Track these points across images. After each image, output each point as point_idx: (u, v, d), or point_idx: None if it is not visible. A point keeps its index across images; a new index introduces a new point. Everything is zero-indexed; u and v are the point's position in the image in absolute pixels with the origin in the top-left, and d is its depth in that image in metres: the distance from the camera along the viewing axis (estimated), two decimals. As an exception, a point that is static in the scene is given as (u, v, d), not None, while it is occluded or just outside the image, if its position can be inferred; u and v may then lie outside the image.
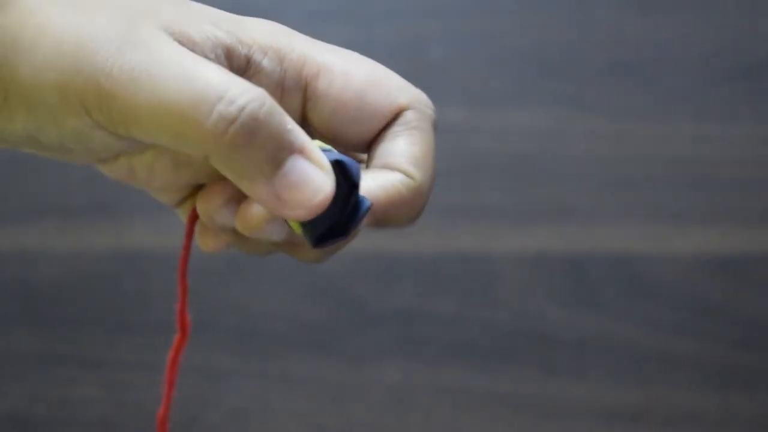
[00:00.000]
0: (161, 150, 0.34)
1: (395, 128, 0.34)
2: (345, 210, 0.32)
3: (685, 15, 0.89)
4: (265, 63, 0.33)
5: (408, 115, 0.34)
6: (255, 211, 0.32)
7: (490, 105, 0.86)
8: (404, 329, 0.78)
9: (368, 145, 0.35)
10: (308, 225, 0.31)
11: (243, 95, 0.29)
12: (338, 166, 0.31)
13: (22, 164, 0.84)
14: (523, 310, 0.79)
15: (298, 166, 0.30)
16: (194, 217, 0.36)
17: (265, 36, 0.34)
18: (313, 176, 0.30)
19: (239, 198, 0.33)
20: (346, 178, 0.31)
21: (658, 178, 0.83)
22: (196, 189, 0.36)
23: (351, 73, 0.35)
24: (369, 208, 0.32)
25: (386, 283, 0.78)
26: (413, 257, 0.75)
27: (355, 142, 0.35)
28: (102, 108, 0.30)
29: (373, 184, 0.33)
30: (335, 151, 0.32)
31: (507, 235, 0.81)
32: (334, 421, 0.76)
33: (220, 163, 0.30)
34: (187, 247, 0.37)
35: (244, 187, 0.30)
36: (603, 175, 0.84)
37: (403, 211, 0.34)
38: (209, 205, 0.34)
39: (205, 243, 0.36)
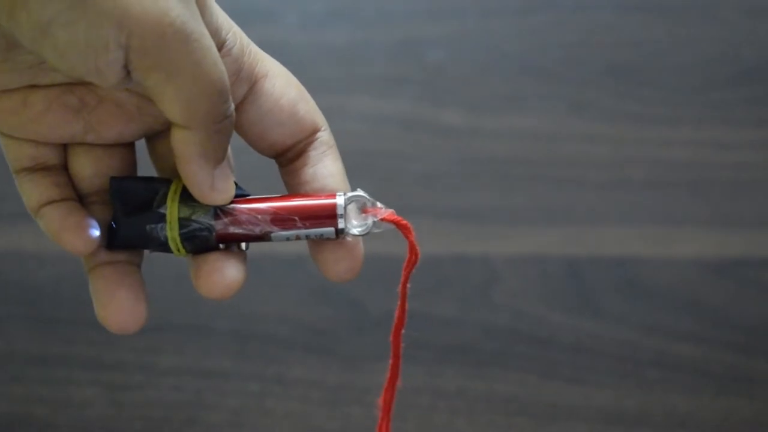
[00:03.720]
0: (72, 89, 0.37)
1: (319, 149, 0.40)
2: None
3: (685, 19, 0.89)
4: (234, 50, 0.37)
5: (324, 136, 0.40)
6: (233, 273, 0.38)
7: (489, 107, 0.86)
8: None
9: (279, 152, 0.40)
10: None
11: (232, 102, 0.36)
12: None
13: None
14: (521, 313, 0.79)
15: (226, 164, 0.37)
16: None
17: (239, 32, 0.38)
18: (231, 174, 0.38)
19: None
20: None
21: (656, 182, 0.83)
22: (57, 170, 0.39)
23: (289, 85, 0.39)
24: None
25: (384, 285, 0.78)
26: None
27: (272, 143, 0.39)
28: (146, 46, 0.32)
29: None
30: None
31: (505, 237, 0.82)
32: (332, 424, 0.76)
33: (198, 138, 0.35)
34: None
35: (195, 167, 0.36)
36: (601, 179, 0.84)
37: None
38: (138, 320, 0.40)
39: (73, 245, 0.38)
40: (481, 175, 0.84)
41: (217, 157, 0.36)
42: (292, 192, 0.40)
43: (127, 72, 0.33)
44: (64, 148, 0.39)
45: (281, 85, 0.39)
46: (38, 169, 0.39)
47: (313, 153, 0.40)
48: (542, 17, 0.89)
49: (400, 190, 0.83)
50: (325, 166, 0.40)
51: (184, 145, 0.36)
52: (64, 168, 0.39)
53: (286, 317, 0.79)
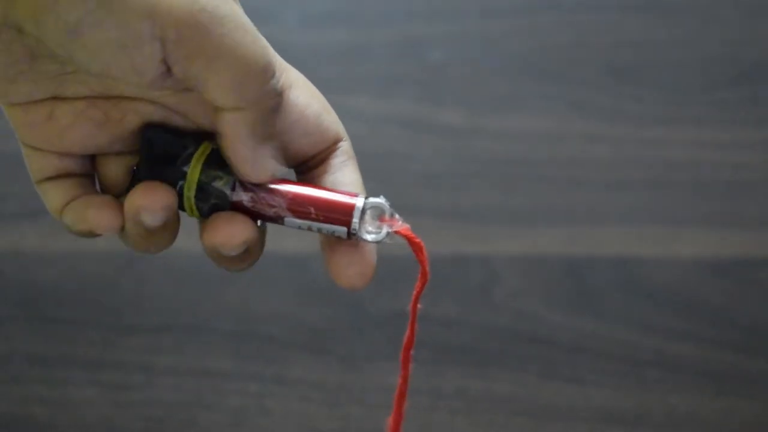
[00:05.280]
0: (97, 103, 0.37)
1: (339, 158, 0.40)
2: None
3: (685, 19, 0.89)
4: None
5: (345, 146, 0.40)
6: (241, 226, 0.37)
7: (489, 108, 0.86)
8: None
9: (300, 162, 0.40)
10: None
11: (281, 78, 0.36)
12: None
13: (22, 164, 0.84)
14: (521, 313, 0.79)
15: (273, 145, 0.37)
16: None
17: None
18: (279, 155, 0.38)
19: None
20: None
21: (657, 182, 0.83)
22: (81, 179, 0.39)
23: (313, 96, 0.39)
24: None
25: (383, 285, 0.78)
26: (411, 259, 0.75)
27: (295, 152, 0.39)
28: (182, 36, 0.32)
29: None
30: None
31: (506, 237, 0.82)
32: (332, 424, 0.76)
33: (250, 118, 0.35)
34: None
35: (241, 143, 0.36)
36: (602, 179, 0.84)
37: None
38: (153, 202, 0.37)
39: (100, 219, 0.38)
40: (481, 175, 0.84)
41: (265, 135, 0.36)
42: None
43: (166, 67, 0.33)
44: (92, 159, 0.39)
45: (306, 96, 0.39)
46: (61, 176, 0.39)
47: (335, 161, 0.40)
48: (542, 17, 0.89)
49: (400, 190, 0.83)
50: (345, 175, 0.40)
51: (234, 126, 0.36)
52: (88, 174, 0.39)
53: (286, 317, 0.79)
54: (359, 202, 0.38)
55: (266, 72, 0.35)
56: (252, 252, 0.38)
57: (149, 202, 0.37)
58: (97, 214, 0.37)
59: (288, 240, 0.39)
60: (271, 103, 0.35)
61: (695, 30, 0.88)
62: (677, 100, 0.86)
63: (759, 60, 0.87)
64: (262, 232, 0.39)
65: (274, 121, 0.37)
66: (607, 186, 0.83)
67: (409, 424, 0.77)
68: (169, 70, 0.34)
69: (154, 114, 0.38)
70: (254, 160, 0.36)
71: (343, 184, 0.39)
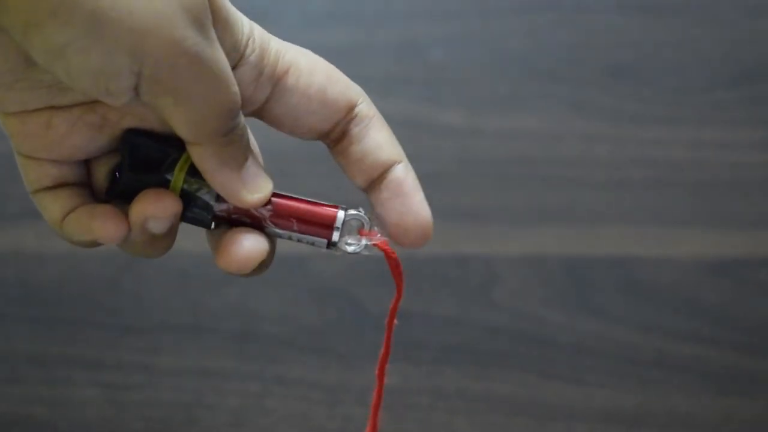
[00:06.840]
0: (93, 107, 0.37)
1: (360, 124, 0.40)
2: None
3: (685, 19, 0.89)
4: (253, 58, 0.37)
5: (362, 109, 0.40)
6: (250, 244, 0.37)
7: (490, 107, 0.86)
8: (402, 332, 0.78)
9: (319, 136, 0.40)
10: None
11: (241, 117, 0.37)
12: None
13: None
14: (521, 313, 0.79)
15: (252, 163, 0.38)
16: None
17: (258, 35, 0.38)
18: (262, 170, 0.38)
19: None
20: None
21: (657, 182, 0.83)
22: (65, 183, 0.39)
23: (314, 72, 0.39)
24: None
25: (384, 285, 0.78)
26: (411, 259, 0.76)
27: (309, 130, 0.39)
28: (157, 74, 0.33)
29: (387, 195, 0.40)
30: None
31: (506, 237, 0.82)
32: (332, 424, 0.76)
33: (211, 151, 0.36)
34: None
35: (220, 177, 0.37)
36: (602, 179, 0.84)
37: (417, 189, 0.41)
38: (162, 210, 0.37)
39: (106, 229, 0.38)
40: (481, 175, 0.84)
41: (237, 161, 0.37)
42: (350, 169, 0.40)
43: (137, 93, 0.34)
44: (86, 162, 0.39)
45: (306, 76, 0.39)
46: (58, 186, 0.39)
47: (356, 130, 0.40)
48: (542, 17, 0.89)
49: (400, 190, 0.83)
50: (371, 140, 0.40)
51: (202, 160, 0.36)
52: (84, 182, 0.39)
53: (286, 317, 0.79)
54: (340, 213, 0.39)
55: (230, 114, 0.35)
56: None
57: (158, 210, 0.37)
58: (102, 225, 0.37)
59: (287, 240, 0.39)
60: (227, 138, 0.36)
61: (695, 30, 0.88)
62: (677, 100, 0.86)
63: (759, 60, 0.87)
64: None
65: (240, 148, 0.37)
66: (607, 186, 0.83)
67: (409, 424, 0.77)
68: (139, 96, 0.34)
69: (150, 115, 0.38)
70: (241, 185, 0.37)
71: (372, 149, 0.40)
